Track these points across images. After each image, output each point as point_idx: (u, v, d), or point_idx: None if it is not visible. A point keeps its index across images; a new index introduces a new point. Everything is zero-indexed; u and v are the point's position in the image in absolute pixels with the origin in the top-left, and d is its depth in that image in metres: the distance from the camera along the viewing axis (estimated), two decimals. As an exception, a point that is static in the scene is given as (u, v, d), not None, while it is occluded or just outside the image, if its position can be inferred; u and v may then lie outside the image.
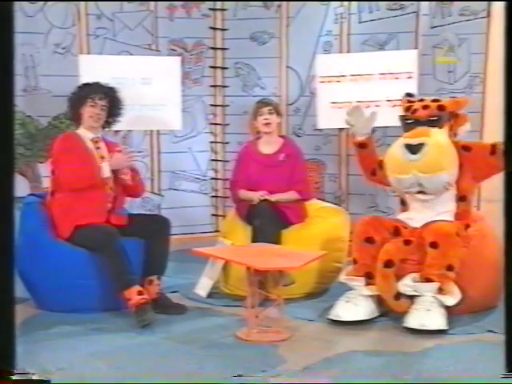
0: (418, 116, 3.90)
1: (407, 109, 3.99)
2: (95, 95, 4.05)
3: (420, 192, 3.84)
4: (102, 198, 3.98)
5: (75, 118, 4.12)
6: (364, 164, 4.24)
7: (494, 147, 3.78)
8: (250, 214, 4.29)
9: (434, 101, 3.95)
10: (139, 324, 3.59)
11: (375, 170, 4.16)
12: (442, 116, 3.88)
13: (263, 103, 4.53)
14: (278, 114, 4.54)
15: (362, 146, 4.18)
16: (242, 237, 4.25)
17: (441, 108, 3.90)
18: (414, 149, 3.72)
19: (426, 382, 2.88)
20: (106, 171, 3.96)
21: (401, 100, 4.14)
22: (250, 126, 4.62)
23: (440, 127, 3.85)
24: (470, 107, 5.25)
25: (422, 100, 4.00)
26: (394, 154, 3.85)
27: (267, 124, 4.45)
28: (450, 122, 3.91)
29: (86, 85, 4.15)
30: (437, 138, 3.79)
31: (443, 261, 3.59)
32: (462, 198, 3.89)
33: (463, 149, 3.87)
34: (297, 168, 4.46)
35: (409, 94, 4.15)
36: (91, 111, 4.04)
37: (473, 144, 3.94)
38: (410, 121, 3.93)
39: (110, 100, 4.12)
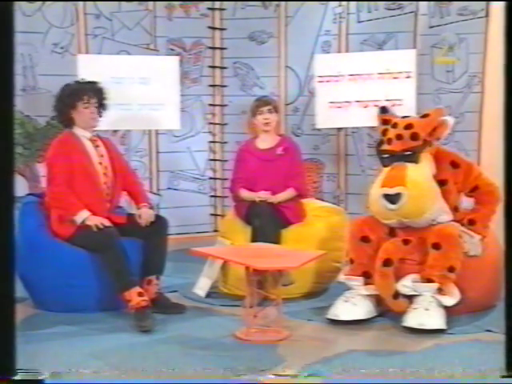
0: (392, 150, 3.82)
1: (382, 132, 3.92)
2: (85, 95, 3.98)
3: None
4: (100, 198, 3.98)
5: (67, 122, 4.04)
6: None
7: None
8: (249, 213, 4.29)
9: (407, 127, 3.79)
10: (138, 329, 3.58)
11: None
12: (416, 150, 3.77)
13: (262, 102, 4.51)
14: (277, 112, 4.55)
15: None
16: (241, 237, 4.25)
17: (414, 137, 3.76)
18: (392, 199, 3.68)
19: (425, 382, 2.89)
20: (80, 218, 3.85)
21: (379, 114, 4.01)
22: (248, 124, 4.61)
23: (416, 162, 3.76)
24: (469, 107, 5.30)
25: (395, 125, 3.85)
26: (375, 203, 3.80)
27: (267, 123, 4.46)
28: (429, 147, 3.81)
29: (70, 87, 4.04)
30: (414, 180, 3.69)
31: (445, 262, 3.59)
32: (455, 209, 3.85)
33: (451, 164, 3.86)
34: (294, 162, 4.47)
35: (383, 109, 4.02)
36: (88, 112, 3.99)
37: (461, 161, 3.92)
38: (386, 155, 3.86)
39: (98, 96, 4.08)
